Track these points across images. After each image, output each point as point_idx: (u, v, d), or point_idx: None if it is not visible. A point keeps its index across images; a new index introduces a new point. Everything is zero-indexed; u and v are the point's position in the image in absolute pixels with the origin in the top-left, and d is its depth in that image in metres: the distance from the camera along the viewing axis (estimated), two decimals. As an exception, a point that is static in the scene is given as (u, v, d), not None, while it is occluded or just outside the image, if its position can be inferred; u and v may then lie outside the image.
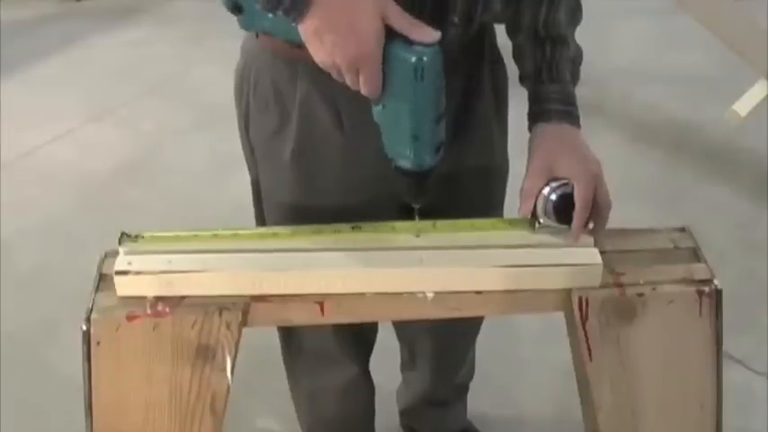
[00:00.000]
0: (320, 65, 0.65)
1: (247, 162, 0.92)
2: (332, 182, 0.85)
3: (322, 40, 0.63)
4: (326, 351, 1.05)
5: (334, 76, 0.66)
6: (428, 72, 0.62)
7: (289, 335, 1.05)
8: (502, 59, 0.88)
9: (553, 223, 0.76)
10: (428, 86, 0.63)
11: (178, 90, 2.35)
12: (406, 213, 0.77)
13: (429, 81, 0.63)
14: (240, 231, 0.77)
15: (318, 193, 0.86)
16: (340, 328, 1.00)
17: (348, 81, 0.65)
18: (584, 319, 0.73)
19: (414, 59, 0.62)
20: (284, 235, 0.78)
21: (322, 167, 0.84)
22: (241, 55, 0.86)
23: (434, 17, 0.64)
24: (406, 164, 0.69)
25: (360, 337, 1.07)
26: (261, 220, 0.94)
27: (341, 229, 0.77)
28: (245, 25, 0.68)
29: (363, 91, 0.65)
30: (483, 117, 0.87)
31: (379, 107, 0.66)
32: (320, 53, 0.64)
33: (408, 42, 0.62)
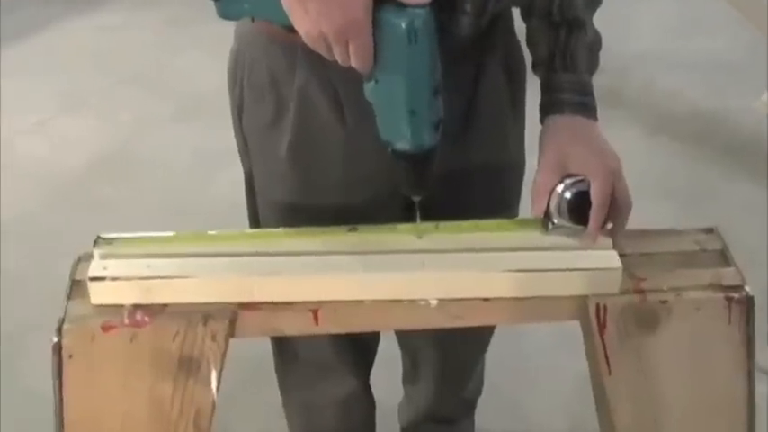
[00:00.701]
0: (305, 38, 0.65)
1: (240, 154, 0.92)
2: (331, 178, 0.85)
3: (306, 9, 0.62)
4: (323, 362, 1.05)
5: (323, 51, 0.65)
6: (422, 35, 0.62)
7: (282, 344, 1.05)
8: (518, 45, 0.88)
9: (567, 224, 0.76)
10: (422, 51, 0.63)
11: (160, 79, 2.33)
12: (410, 214, 0.77)
13: (423, 45, 0.63)
14: (227, 233, 0.77)
15: (316, 191, 0.86)
16: (338, 337, 1.00)
17: (337, 55, 0.65)
18: (601, 329, 0.73)
19: (406, 22, 0.62)
20: (275, 237, 0.78)
21: (321, 163, 0.84)
22: (234, 39, 0.86)
23: (444, 5, 0.65)
24: (403, 145, 0.69)
25: (360, 347, 1.07)
26: (254, 217, 0.94)
27: (337, 230, 0.77)
28: (223, 11, 0.68)
29: (354, 64, 0.65)
30: (496, 109, 0.87)
31: (372, 83, 0.66)
32: (305, 23, 0.63)
33: (399, 5, 0.62)
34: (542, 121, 0.80)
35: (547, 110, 0.79)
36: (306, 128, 0.82)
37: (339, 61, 0.65)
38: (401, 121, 0.66)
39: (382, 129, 0.69)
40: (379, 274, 0.74)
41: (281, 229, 0.79)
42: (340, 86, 0.79)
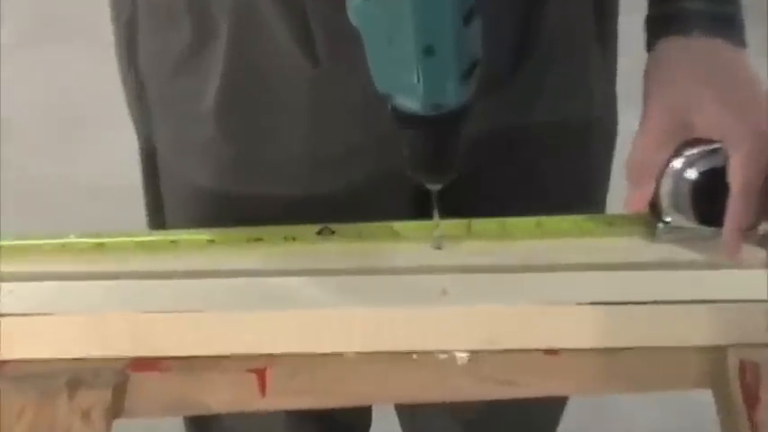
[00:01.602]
0: None
1: (132, 110, 0.93)
2: (291, 151, 0.86)
3: None
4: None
5: None
6: None
7: (205, 429, 1.06)
8: None
9: (690, 223, 0.76)
10: None
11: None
12: (423, 210, 0.78)
13: None
14: (109, 238, 0.77)
15: (265, 171, 0.87)
16: (300, 419, 1.01)
17: None
18: (751, 403, 0.71)
19: None
20: (192, 246, 0.78)
21: (273, 125, 0.85)
22: None
23: None
24: (411, 103, 0.68)
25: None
26: (155, 213, 0.95)
27: (300, 233, 0.78)
28: None
29: None
30: (571, 33, 0.88)
31: None
32: None
33: None
34: (650, 47, 0.80)
35: (658, 29, 0.79)
36: (248, 66, 0.82)
37: None
38: (407, 62, 0.65)
39: (377, 74, 0.68)
40: (368, 309, 0.73)
41: (202, 233, 0.79)
42: (308, -1, 0.81)
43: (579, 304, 0.72)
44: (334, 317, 0.73)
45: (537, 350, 0.73)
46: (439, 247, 0.77)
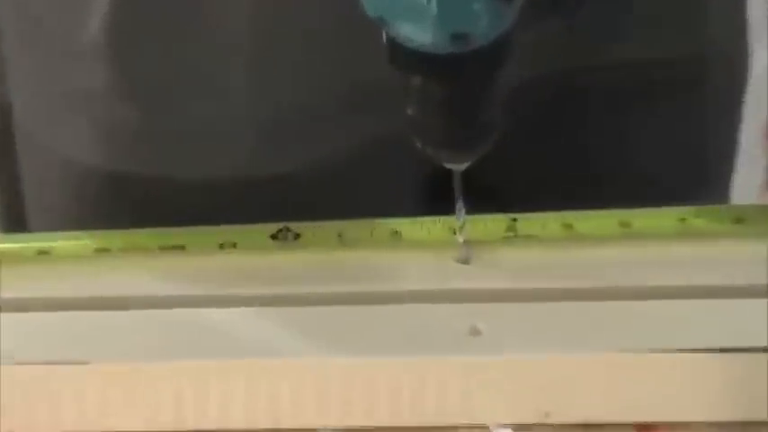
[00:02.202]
0: None
1: None
2: (226, 108, 0.88)
3: None
4: None
5: None
6: None
7: None
8: None
9: None
10: None
11: None
12: (439, 200, 0.77)
13: None
14: None
15: (185, 140, 0.89)
16: None
17: None
18: None
19: None
20: (71, 257, 0.78)
21: (197, 68, 0.87)
22: None
23: None
24: (417, 33, 0.66)
25: None
26: (13, 213, 0.99)
27: (243, 238, 0.78)
28: None
29: None
30: None
31: None
32: None
33: None
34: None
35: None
36: None
37: None
38: None
39: None
40: (353, 359, 0.70)
41: (87, 238, 0.78)
42: None
43: (688, 351, 0.69)
44: (299, 371, 0.69)
45: (622, 425, 0.69)
46: (465, 260, 0.74)
